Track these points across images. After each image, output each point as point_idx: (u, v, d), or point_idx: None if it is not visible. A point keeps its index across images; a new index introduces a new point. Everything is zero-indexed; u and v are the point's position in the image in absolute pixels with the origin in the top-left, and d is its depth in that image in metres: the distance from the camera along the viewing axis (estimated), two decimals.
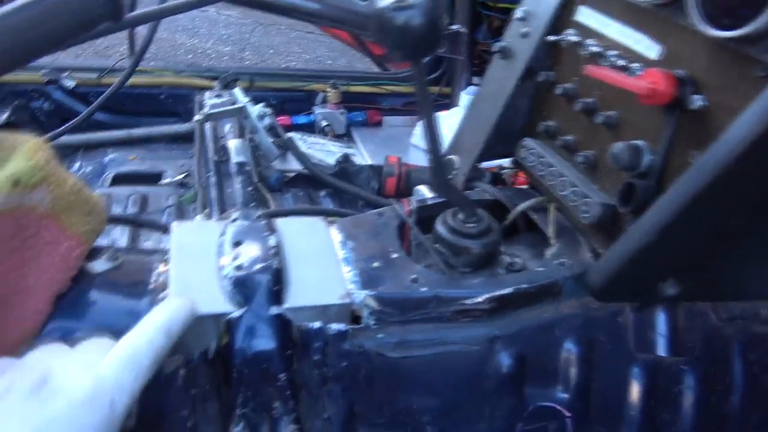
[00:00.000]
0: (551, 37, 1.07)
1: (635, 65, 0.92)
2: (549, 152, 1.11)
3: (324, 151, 2.13)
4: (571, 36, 1.04)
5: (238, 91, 1.91)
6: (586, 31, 1.03)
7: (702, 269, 0.91)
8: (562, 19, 1.09)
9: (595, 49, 0.99)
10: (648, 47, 0.91)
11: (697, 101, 0.83)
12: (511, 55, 1.18)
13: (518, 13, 1.15)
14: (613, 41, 0.98)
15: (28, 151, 0.93)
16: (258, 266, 0.94)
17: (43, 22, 0.55)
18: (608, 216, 0.97)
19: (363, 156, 2.19)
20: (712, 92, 0.83)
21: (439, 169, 0.95)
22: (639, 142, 0.91)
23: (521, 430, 1.05)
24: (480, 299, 0.98)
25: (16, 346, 0.81)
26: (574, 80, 1.07)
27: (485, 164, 1.36)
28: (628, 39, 0.94)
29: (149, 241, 1.61)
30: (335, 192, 1.87)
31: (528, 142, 1.15)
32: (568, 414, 1.05)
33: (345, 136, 2.37)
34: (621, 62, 0.94)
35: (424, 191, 1.33)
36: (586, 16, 1.04)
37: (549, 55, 1.13)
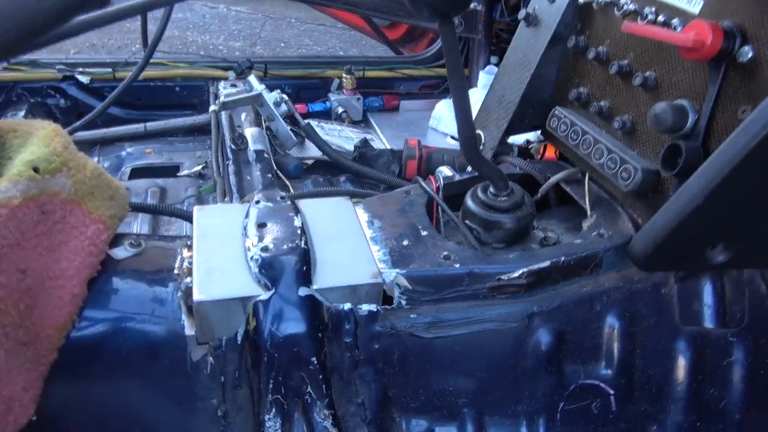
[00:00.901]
0: None
1: (675, 20, 0.87)
2: (582, 120, 1.06)
3: (342, 137, 2.09)
4: None
5: (252, 79, 1.88)
6: None
7: (753, 233, 0.86)
8: None
9: (630, 7, 0.94)
10: (689, 0, 0.86)
11: (746, 53, 0.77)
12: (537, 21, 1.13)
13: None
14: None
15: (45, 137, 0.91)
16: (284, 247, 0.91)
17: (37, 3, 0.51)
18: (650, 182, 0.92)
19: (381, 141, 2.15)
20: (761, 43, 0.78)
21: (469, 140, 0.91)
22: (682, 101, 0.86)
23: (563, 409, 1.01)
24: (516, 274, 0.94)
25: (60, 332, 0.79)
26: (607, 43, 1.02)
27: (511, 140, 1.31)
28: None
29: (170, 232, 1.59)
30: (356, 177, 1.83)
31: (559, 111, 1.10)
32: (611, 391, 1.01)
33: (362, 122, 2.33)
34: (660, 18, 0.89)
35: (446, 172, 1.29)
36: None
37: (579, 19, 1.07)
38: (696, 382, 1.01)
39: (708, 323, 1.00)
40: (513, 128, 1.20)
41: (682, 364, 1.01)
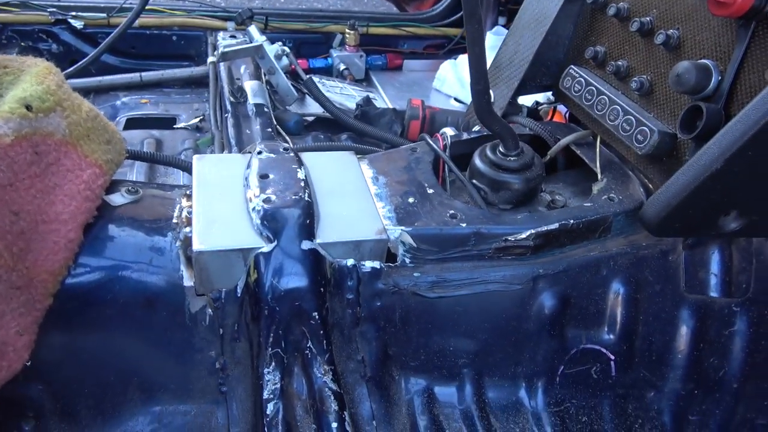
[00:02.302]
0: None
1: None
2: (597, 80, 1.03)
3: (343, 95, 2.04)
4: None
5: (253, 29, 1.81)
6: None
7: None
8: None
9: None
10: None
11: None
12: None
13: None
14: None
15: (38, 74, 0.86)
16: (287, 199, 0.88)
17: None
18: (666, 145, 0.89)
19: (384, 100, 2.10)
20: None
21: (482, 94, 0.87)
22: (706, 61, 0.83)
23: (563, 373, 1.00)
24: (524, 235, 0.91)
25: (55, 277, 0.77)
26: None
27: (519, 101, 1.27)
28: None
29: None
30: (357, 136, 1.79)
31: (574, 70, 1.06)
32: (612, 357, 1.00)
33: (364, 81, 2.27)
34: None
35: (451, 133, 1.26)
36: None
37: None
38: (697, 351, 1.01)
39: (713, 292, 0.99)
40: (524, 87, 1.16)
41: (684, 333, 1.00)
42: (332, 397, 0.84)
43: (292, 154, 0.98)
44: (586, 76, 1.04)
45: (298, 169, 0.94)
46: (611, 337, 0.99)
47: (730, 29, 0.82)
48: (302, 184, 0.90)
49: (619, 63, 0.99)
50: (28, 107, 0.79)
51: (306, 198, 0.88)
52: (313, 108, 1.85)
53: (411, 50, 2.36)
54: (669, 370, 1.02)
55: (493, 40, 2.06)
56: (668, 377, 1.02)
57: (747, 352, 1.01)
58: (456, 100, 2.06)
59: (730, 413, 1.04)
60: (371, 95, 2.00)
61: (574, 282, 0.95)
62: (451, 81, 2.09)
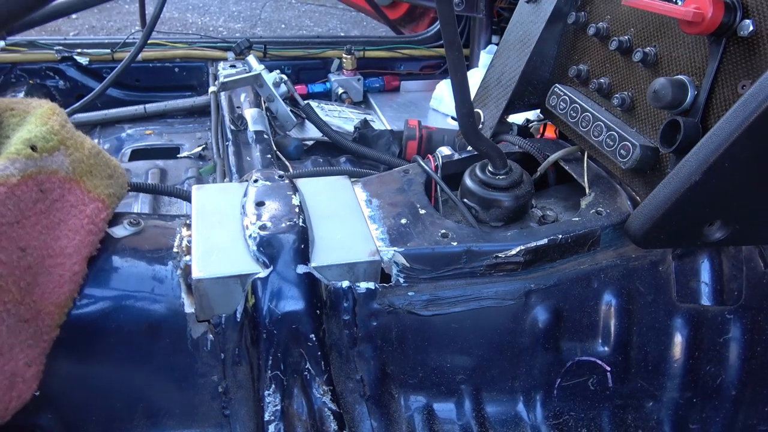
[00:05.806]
0: None
1: None
2: (581, 97, 1.05)
3: (342, 118, 2.08)
4: None
5: (252, 59, 1.86)
6: None
7: (751, 210, 0.86)
8: None
9: None
10: None
11: (746, 27, 0.76)
12: None
13: None
14: None
15: (42, 116, 0.91)
16: (282, 226, 0.91)
17: None
18: (649, 159, 0.91)
19: (382, 122, 2.14)
20: (762, 17, 0.77)
21: (467, 117, 0.90)
22: (682, 77, 0.86)
23: (560, 385, 1.01)
24: (514, 252, 0.94)
25: (61, 309, 0.80)
26: (607, 18, 1.01)
27: (511, 119, 1.30)
28: None
29: (171, 213, 1.59)
30: (356, 158, 1.83)
31: (558, 88, 1.10)
32: (608, 368, 1.02)
33: (362, 103, 2.32)
34: None
35: (446, 152, 1.29)
36: None
37: None
38: (692, 360, 1.02)
39: (705, 301, 1.00)
40: (512, 106, 1.19)
41: (678, 342, 1.02)
42: (332, 417, 0.86)
43: (286, 181, 1.01)
44: (571, 94, 1.07)
45: (293, 196, 0.97)
46: (606, 348, 1.00)
47: (703, 45, 0.84)
48: (296, 210, 0.94)
49: (601, 80, 1.02)
50: (33, 147, 0.83)
51: (300, 223, 0.91)
52: (313, 132, 1.89)
53: (408, 71, 2.40)
54: (666, 380, 1.03)
55: (486, 59, 2.10)
56: (666, 386, 1.03)
57: (743, 358, 1.02)
58: (452, 118, 2.09)
59: (731, 420, 1.05)
60: (369, 117, 2.04)
61: (565, 295, 0.97)
62: (447, 100, 2.13)
